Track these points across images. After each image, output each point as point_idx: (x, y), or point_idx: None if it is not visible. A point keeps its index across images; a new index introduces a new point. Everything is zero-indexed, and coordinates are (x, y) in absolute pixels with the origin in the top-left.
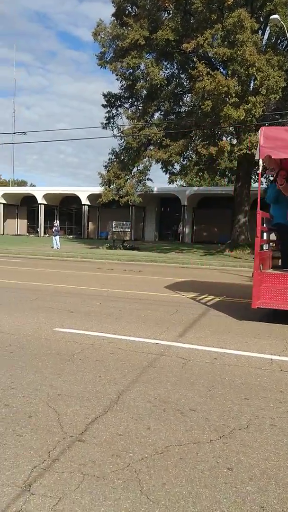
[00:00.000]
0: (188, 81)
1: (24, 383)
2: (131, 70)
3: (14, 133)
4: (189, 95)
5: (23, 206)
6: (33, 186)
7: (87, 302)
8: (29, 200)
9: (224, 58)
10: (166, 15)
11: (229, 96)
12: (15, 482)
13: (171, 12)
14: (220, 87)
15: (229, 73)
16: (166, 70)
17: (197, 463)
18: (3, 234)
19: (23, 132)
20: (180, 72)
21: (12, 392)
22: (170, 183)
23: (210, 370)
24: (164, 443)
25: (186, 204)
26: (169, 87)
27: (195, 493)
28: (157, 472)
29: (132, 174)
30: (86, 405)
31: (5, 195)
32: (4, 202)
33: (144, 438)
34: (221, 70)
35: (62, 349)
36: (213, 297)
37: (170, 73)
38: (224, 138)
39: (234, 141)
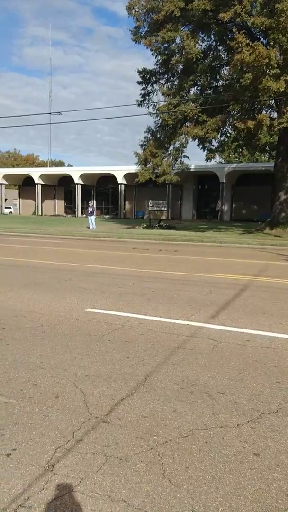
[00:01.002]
0: (226, 53)
1: (53, 363)
2: (166, 44)
3: (50, 113)
4: (227, 68)
5: (61, 186)
6: (70, 166)
7: (120, 283)
8: (66, 181)
9: (262, 28)
10: None
11: (270, 68)
12: (38, 462)
13: None
14: (261, 59)
15: (271, 43)
16: (202, 42)
17: (222, 447)
18: (41, 215)
19: (58, 112)
20: (218, 44)
21: (40, 372)
22: (207, 161)
23: (242, 352)
24: (190, 426)
25: (224, 181)
26: (205, 61)
27: (218, 478)
28: (181, 455)
29: (169, 152)
30: (113, 386)
31: (42, 176)
32: (42, 183)
33: (170, 420)
34: (262, 40)
35: (92, 329)
36: (249, 277)
37: (207, 45)
38: (263, 111)
39: (275, 115)
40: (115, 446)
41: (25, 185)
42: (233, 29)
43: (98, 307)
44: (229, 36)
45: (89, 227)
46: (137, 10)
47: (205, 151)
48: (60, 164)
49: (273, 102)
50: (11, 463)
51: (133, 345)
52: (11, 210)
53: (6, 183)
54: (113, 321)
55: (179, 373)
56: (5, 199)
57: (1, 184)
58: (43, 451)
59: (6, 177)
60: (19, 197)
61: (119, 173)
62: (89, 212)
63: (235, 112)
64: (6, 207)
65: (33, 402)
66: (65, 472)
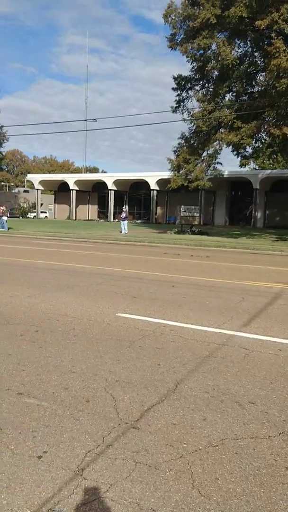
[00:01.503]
0: (262, 59)
1: (84, 367)
2: (202, 51)
3: (86, 120)
4: (263, 74)
5: (94, 192)
6: (104, 172)
7: (151, 288)
8: (100, 186)
9: None
10: None
11: None
12: (69, 466)
13: None
14: None
15: None
16: (238, 49)
17: (253, 459)
18: (75, 219)
19: (94, 119)
20: (254, 50)
21: (72, 376)
22: (241, 167)
23: (274, 361)
24: (220, 435)
25: (258, 187)
26: (241, 67)
27: (249, 491)
28: (211, 465)
29: (202, 158)
30: (143, 393)
31: (77, 182)
32: (77, 188)
33: (199, 429)
34: None
35: (123, 335)
36: (282, 285)
37: (242, 52)
38: None
39: None
40: (145, 452)
41: (60, 190)
42: (272, 34)
43: (129, 312)
44: (266, 42)
45: (121, 232)
46: (173, 17)
47: (239, 157)
48: (94, 170)
49: None
50: (42, 465)
51: (164, 352)
52: (47, 214)
53: (42, 188)
54: (144, 326)
55: (210, 381)
56: (41, 204)
57: (37, 189)
58: (74, 455)
59: (42, 182)
60: (55, 202)
61: (152, 179)
62: (123, 217)
63: (271, 118)
64: (41, 212)
65: (64, 406)
66: (94, 477)
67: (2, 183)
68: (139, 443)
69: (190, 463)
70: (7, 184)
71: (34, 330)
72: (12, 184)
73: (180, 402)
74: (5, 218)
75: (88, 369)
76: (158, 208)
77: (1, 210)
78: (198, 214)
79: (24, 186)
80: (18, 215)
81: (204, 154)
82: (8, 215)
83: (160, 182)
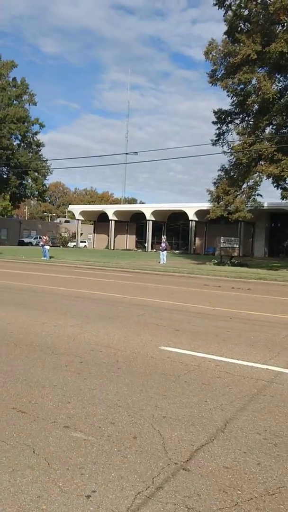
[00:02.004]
0: None
1: (130, 401)
2: (242, 86)
3: (127, 153)
4: None
5: (133, 222)
6: (143, 203)
7: (193, 321)
8: (138, 217)
9: None
10: (280, 27)
11: None
12: (118, 508)
13: (285, 24)
14: None
15: None
16: (279, 83)
17: None
18: (113, 249)
19: (135, 152)
20: None
21: (118, 410)
22: (282, 199)
23: None
24: (276, 483)
25: None
26: (281, 100)
27: None
28: None
29: (242, 190)
30: (191, 431)
31: (116, 212)
32: (115, 219)
33: (254, 474)
34: None
35: (168, 369)
36: None
37: (283, 86)
38: None
39: None
40: (197, 498)
41: (99, 220)
42: None
43: (173, 345)
44: None
45: (160, 262)
46: (214, 54)
47: (280, 189)
48: (132, 201)
49: None
50: (91, 506)
51: (210, 388)
52: (86, 244)
53: (82, 218)
54: (188, 361)
55: (261, 421)
56: (81, 234)
57: (77, 219)
58: (123, 496)
59: (82, 213)
60: (94, 232)
61: (191, 209)
62: (162, 247)
63: None
64: (81, 241)
65: (111, 441)
66: None
67: (45, 213)
68: (190, 486)
69: None
70: (50, 214)
71: (78, 361)
72: (54, 214)
73: (231, 443)
74: (47, 247)
75: (133, 404)
76: (197, 239)
77: (44, 240)
78: (237, 246)
79: (65, 217)
80: (59, 244)
81: (244, 186)
82: (50, 244)
83: (199, 213)
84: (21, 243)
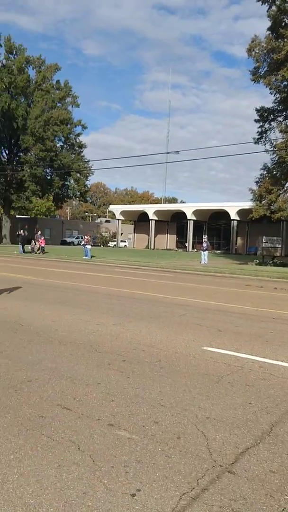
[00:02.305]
0: None
1: (173, 401)
2: (286, 82)
3: (168, 152)
4: None
5: (173, 222)
6: (183, 202)
7: (235, 321)
8: (179, 216)
9: None
10: None
11: None
12: (163, 508)
13: None
14: None
15: None
16: None
17: None
18: (153, 249)
19: (176, 152)
20: None
21: (161, 410)
22: None
23: None
24: None
25: None
26: None
27: None
28: None
29: (285, 189)
30: (236, 433)
31: (156, 212)
32: (156, 218)
33: None
34: None
35: (211, 369)
36: None
37: None
38: None
39: None
40: (243, 501)
41: (139, 220)
42: None
43: (215, 346)
44: None
45: (201, 262)
46: (257, 51)
47: None
48: (173, 200)
49: None
50: (136, 505)
51: (255, 390)
52: (126, 243)
53: (123, 218)
54: (231, 362)
55: None
56: (121, 233)
57: (118, 219)
58: (168, 496)
59: (123, 213)
60: (134, 232)
61: (232, 209)
62: (204, 247)
63: None
64: (121, 241)
65: (155, 441)
66: None
67: (86, 213)
68: (236, 490)
69: None
70: (91, 214)
71: (121, 360)
72: (95, 214)
73: (277, 447)
74: (88, 246)
75: (177, 404)
76: (238, 238)
77: (86, 239)
78: (280, 245)
79: (105, 217)
80: (99, 244)
81: (287, 184)
82: (91, 244)
83: (241, 212)
84: (63, 243)
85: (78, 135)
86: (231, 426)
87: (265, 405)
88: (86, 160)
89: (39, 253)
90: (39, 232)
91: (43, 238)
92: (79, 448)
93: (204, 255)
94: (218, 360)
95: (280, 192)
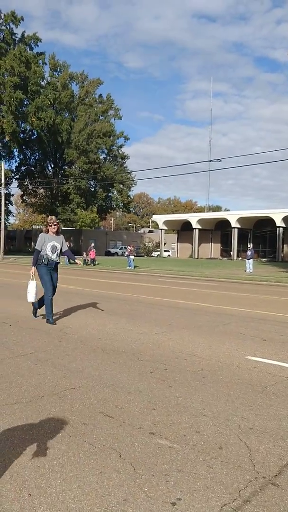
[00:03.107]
0: None
1: (215, 411)
2: None
3: (210, 160)
4: None
5: (217, 230)
6: (227, 210)
7: (281, 330)
8: (223, 224)
9: None
10: None
11: None
12: None
13: None
14: None
15: None
16: None
17: None
18: (197, 258)
19: (219, 159)
20: None
21: (203, 419)
22: None
23: None
24: None
25: None
26: None
27: None
28: None
29: None
30: (280, 445)
31: (200, 221)
32: (199, 227)
33: None
34: None
35: (254, 379)
36: None
37: None
38: None
39: None
40: None
41: (183, 229)
42: None
43: (259, 355)
44: None
45: (246, 271)
46: None
47: None
48: (217, 209)
49: None
50: None
51: None
52: (169, 253)
53: (166, 228)
54: (276, 372)
55: None
56: (165, 243)
57: (161, 229)
58: (209, 506)
59: (166, 222)
60: (177, 241)
61: (278, 216)
62: (248, 255)
63: None
64: (165, 251)
65: (196, 450)
66: None
67: (130, 224)
68: (279, 502)
69: None
70: (134, 225)
71: (163, 368)
72: (138, 225)
73: None
74: (132, 257)
75: (219, 413)
76: (285, 246)
77: (129, 250)
78: None
79: (149, 227)
80: (143, 254)
81: None
82: (135, 254)
83: (287, 218)
84: (108, 253)
85: (121, 146)
86: (275, 437)
87: None
88: (128, 171)
89: (89, 265)
90: (92, 244)
91: (93, 250)
92: (120, 456)
93: (249, 263)
94: (262, 369)
95: None
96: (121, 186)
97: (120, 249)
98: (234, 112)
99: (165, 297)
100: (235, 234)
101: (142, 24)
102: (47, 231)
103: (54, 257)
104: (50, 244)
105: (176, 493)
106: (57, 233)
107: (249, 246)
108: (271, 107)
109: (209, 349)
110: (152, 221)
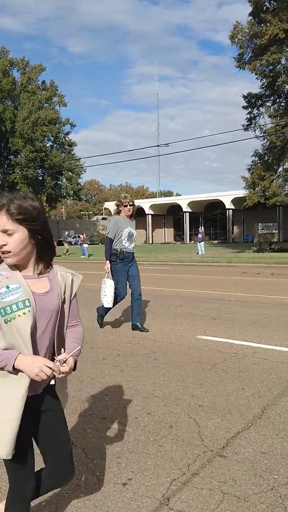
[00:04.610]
0: None
1: (166, 391)
2: (271, 67)
3: (158, 145)
4: None
5: (169, 215)
6: (179, 195)
7: (230, 309)
8: (175, 209)
9: None
10: None
11: None
12: (154, 495)
13: None
14: None
15: None
16: None
17: None
18: (151, 243)
19: (166, 144)
20: None
21: (154, 401)
22: None
23: None
24: None
25: None
26: None
27: None
28: None
29: (278, 173)
30: (228, 418)
31: (152, 206)
32: (152, 212)
33: None
34: None
35: (204, 357)
36: None
37: None
38: None
39: None
40: (233, 483)
41: (136, 215)
42: None
43: (210, 334)
44: None
45: (198, 253)
46: (240, 37)
47: None
48: (168, 194)
49: None
50: (127, 493)
51: (248, 376)
52: None
53: None
54: (225, 349)
55: None
56: None
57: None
58: (158, 483)
59: None
60: None
61: (227, 198)
62: (199, 238)
63: None
64: None
65: (147, 431)
66: (180, 508)
67: (82, 212)
68: (226, 472)
69: (282, 496)
70: (87, 213)
71: (116, 354)
72: (91, 212)
73: (268, 429)
74: (85, 245)
75: (170, 394)
76: (235, 227)
77: (82, 238)
78: (277, 231)
79: (102, 214)
80: (97, 242)
81: (280, 169)
82: (89, 243)
83: (236, 201)
84: (60, 243)
85: (67, 133)
86: (223, 412)
87: (257, 390)
88: (77, 158)
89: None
90: (66, 233)
91: (82, 237)
92: (72, 443)
93: (201, 246)
94: (212, 347)
95: (273, 178)
96: (70, 173)
97: (73, 238)
98: (180, 95)
99: None
100: (186, 218)
101: (85, 7)
102: (119, 213)
103: (131, 247)
104: (126, 230)
105: (127, 474)
106: (131, 217)
107: (199, 229)
108: (217, 89)
109: (161, 332)
110: (105, 208)
